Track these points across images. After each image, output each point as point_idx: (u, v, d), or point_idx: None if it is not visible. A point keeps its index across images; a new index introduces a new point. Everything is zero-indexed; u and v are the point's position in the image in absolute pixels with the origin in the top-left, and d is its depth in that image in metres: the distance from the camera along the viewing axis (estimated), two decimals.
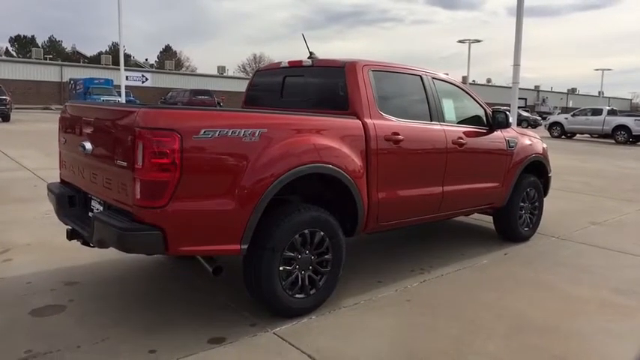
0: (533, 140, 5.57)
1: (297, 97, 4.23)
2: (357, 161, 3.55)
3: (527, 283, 4.23)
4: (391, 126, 3.84)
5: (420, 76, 4.32)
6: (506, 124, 4.85)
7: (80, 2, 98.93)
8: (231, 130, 2.89)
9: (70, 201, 3.48)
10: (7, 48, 63.90)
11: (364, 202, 3.64)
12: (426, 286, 4.07)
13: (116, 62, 38.87)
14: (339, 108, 3.77)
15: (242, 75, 66.78)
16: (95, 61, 55.89)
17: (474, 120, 4.84)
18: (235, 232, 2.95)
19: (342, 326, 3.30)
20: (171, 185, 2.70)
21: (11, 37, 65.89)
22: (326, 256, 3.45)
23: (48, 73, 42.34)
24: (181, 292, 3.78)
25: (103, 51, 61.65)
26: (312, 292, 3.40)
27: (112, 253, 3.96)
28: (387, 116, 3.85)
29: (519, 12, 15.41)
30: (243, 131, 2.93)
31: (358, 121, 3.65)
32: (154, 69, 57.26)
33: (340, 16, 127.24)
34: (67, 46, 69.09)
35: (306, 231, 3.30)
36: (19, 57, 56.20)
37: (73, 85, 33.42)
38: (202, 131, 2.78)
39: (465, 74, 45.14)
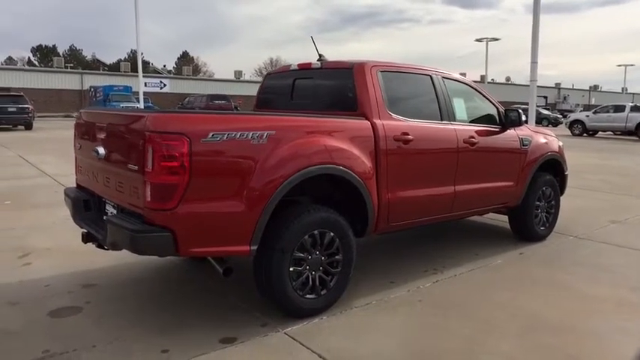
0: (548, 138, 5.50)
1: (307, 99, 4.25)
2: (366, 162, 3.55)
3: (542, 282, 4.17)
4: (400, 126, 3.83)
5: (430, 75, 4.30)
6: (518, 123, 4.80)
7: (100, 11, 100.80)
8: (239, 133, 2.92)
9: (85, 205, 3.57)
10: (29, 58, 65.54)
11: (374, 203, 3.64)
12: (438, 287, 4.05)
13: (135, 69, 39.48)
14: (349, 109, 3.78)
15: (259, 79, 67.28)
16: (114, 68, 56.97)
17: (486, 119, 4.81)
18: (245, 234, 2.98)
19: (353, 326, 3.30)
20: (181, 188, 2.75)
21: (33, 47, 67.64)
22: (336, 257, 3.46)
23: (69, 81, 43.29)
24: (195, 293, 3.83)
25: (122, 58, 62.83)
26: (323, 293, 3.42)
27: (128, 257, 4.06)
28: (397, 116, 3.85)
29: (536, 9, 15.24)
30: (251, 134, 2.97)
31: (367, 121, 3.66)
32: (171, 75, 58.01)
33: (355, 18, 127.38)
34: (87, 54, 70.57)
35: (316, 232, 3.32)
36: (41, 66, 57.56)
37: (94, 93, 34.06)
38: (211, 134, 2.82)
39: (483, 73, 44.77)
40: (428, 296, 3.84)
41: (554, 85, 71.69)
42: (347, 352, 2.95)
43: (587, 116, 25.50)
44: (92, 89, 35.12)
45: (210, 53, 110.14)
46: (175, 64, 75.97)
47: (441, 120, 4.26)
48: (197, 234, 2.84)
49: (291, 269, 3.22)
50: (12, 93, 20.82)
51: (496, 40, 41.90)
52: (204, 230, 2.87)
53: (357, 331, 3.24)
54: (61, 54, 64.35)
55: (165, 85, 48.96)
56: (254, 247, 3.04)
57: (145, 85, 41.82)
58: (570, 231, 5.79)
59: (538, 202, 5.32)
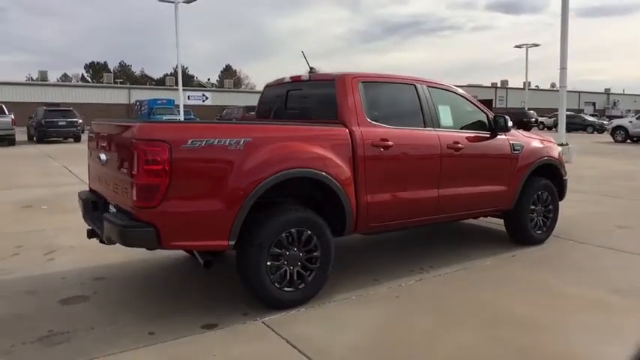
0: (544, 144, 5.59)
1: (298, 108, 4.59)
2: (342, 165, 3.83)
3: (525, 283, 4.30)
4: (379, 132, 4.10)
5: (414, 84, 4.54)
6: (505, 128, 4.95)
7: (148, 28, 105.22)
8: (216, 140, 3.29)
9: (93, 206, 4.02)
10: (82, 74, 69.26)
11: (352, 204, 3.90)
12: (420, 285, 4.25)
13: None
14: (331, 117, 4.08)
15: None
16: (161, 82, 59.40)
17: (476, 125, 4.98)
18: (222, 230, 3.33)
19: (327, 317, 3.58)
20: (163, 188, 3.13)
21: (86, 64, 71.48)
22: (314, 254, 3.75)
23: (117, 95, 45.66)
24: (191, 287, 4.21)
25: (168, 73, 65.31)
26: (301, 287, 3.71)
27: (138, 255, 4.51)
28: (376, 124, 4.12)
29: (564, 14, 15.06)
30: (228, 140, 3.32)
31: (345, 129, 3.94)
32: (213, 88, 59.88)
33: (397, 27, 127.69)
34: (136, 69, 73.79)
35: (293, 230, 3.62)
36: (93, 82, 60.80)
37: (139, 106, 35.75)
38: (190, 141, 3.19)
39: (528, 79, 43.85)
40: (406, 293, 4.06)
41: (603, 91, 69.08)
42: (313, 339, 3.22)
43: (630, 122, 24.59)
44: (138, 103, 36.88)
45: (253, 66, 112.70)
46: (219, 77, 78.27)
47: (425, 126, 4.49)
48: (177, 229, 3.22)
49: (268, 263, 3.53)
50: (62, 108, 22.23)
51: (536, 45, 41.01)
52: (184, 226, 3.23)
53: (329, 321, 3.51)
54: (111, 70, 67.73)
55: (207, 97, 50.69)
56: (232, 242, 3.38)
57: (188, 98, 43.45)
58: (572, 235, 5.83)
59: (533, 206, 5.41)
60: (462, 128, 4.87)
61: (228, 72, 79.76)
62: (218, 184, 3.30)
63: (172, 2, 24.30)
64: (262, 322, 3.48)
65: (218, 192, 3.30)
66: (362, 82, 4.17)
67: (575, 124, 34.86)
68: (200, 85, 61.15)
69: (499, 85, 67.23)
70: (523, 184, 5.23)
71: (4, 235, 5.86)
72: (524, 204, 5.29)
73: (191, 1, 24.53)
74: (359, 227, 4.08)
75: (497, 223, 6.05)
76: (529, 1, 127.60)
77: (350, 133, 3.94)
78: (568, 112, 15.60)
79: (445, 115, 4.70)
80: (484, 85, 67.87)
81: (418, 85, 4.56)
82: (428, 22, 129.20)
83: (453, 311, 3.69)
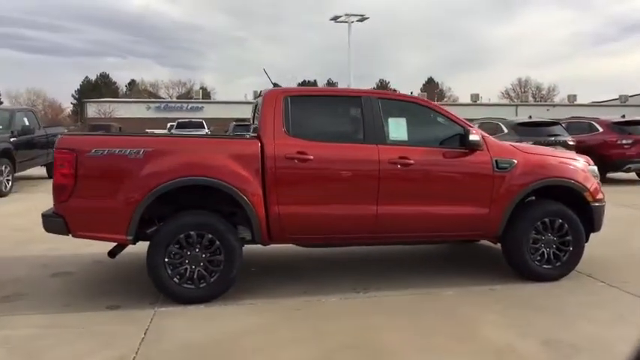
0: (558, 162, 4.70)
1: (257, 121, 4.92)
2: (246, 175, 4.03)
3: (448, 319, 3.79)
4: (297, 145, 4.16)
5: (360, 97, 4.42)
6: (470, 144, 4.36)
7: (360, 46, 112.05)
8: (117, 149, 3.91)
9: None
10: None
11: (259, 214, 4.06)
12: (338, 303, 4.14)
13: None
14: (257, 131, 4.33)
15: (504, 102, 64.88)
16: None
17: (447, 140, 4.52)
18: (120, 226, 3.91)
19: (209, 316, 3.85)
20: (70, 187, 3.88)
21: (299, 83, 79.81)
22: (217, 257, 4.05)
23: None
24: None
25: (372, 88, 68.86)
26: (202, 285, 4.04)
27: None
28: (295, 138, 4.19)
29: None
30: (129, 150, 3.92)
31: (256, 141, 4.15)
32: None
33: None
34: (343, 85, 79.41)
35: (192, 232, 3.99)
36: None
37: None
38: (93, 150, 3.89)
39: None
40: (313, 309, 4.00)
41: None
42: (169, 332, 3.53)
43: None
44: None
45: (462, 77, 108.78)
46: (420, 90, 78.95)
47: (364, 140, 4.33)
48: (81, 221, 3.93)
49: (166, 260, 3.98)
50: (246, 123, 25.51)
51: None
52: (87, 219, 3.93)
53: (206, 320, 3.77)
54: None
55: None
56: (130, 237, 3.95)
57: None
58: (612, 277, 4.70)
59: (537, 235, 4.60)
60: (434, 143, 4.51)
61: (429, 85, 79.98)
62: (117, 187, 3.91)
63: (346, 22, 25.94)
64: (155, 310, 3.94)
65: (117, 193, 3.91)
66: (289, 96, 4.30)
67: None
68: None
69: None
70: (513, 207, 4.51)
71: None
72: (520, 231, 4.54)
73: (364, 20, 25.77)
74: (274, 237, 4.21)
75: None
76: None
77: (261, 145, 4.13)
78: None
79: (397, 129, 4.43)
80: None
81: (364, 98, 4.42)
82: None
83: (323, 330, 3.58)
